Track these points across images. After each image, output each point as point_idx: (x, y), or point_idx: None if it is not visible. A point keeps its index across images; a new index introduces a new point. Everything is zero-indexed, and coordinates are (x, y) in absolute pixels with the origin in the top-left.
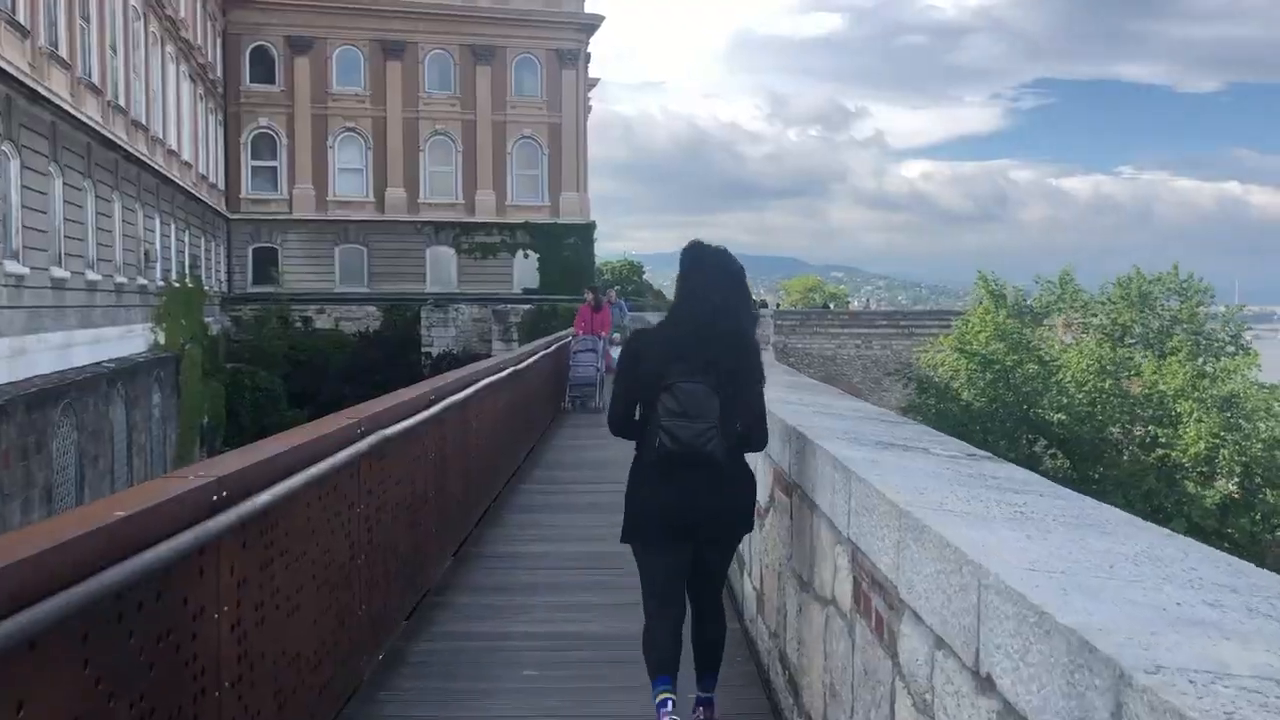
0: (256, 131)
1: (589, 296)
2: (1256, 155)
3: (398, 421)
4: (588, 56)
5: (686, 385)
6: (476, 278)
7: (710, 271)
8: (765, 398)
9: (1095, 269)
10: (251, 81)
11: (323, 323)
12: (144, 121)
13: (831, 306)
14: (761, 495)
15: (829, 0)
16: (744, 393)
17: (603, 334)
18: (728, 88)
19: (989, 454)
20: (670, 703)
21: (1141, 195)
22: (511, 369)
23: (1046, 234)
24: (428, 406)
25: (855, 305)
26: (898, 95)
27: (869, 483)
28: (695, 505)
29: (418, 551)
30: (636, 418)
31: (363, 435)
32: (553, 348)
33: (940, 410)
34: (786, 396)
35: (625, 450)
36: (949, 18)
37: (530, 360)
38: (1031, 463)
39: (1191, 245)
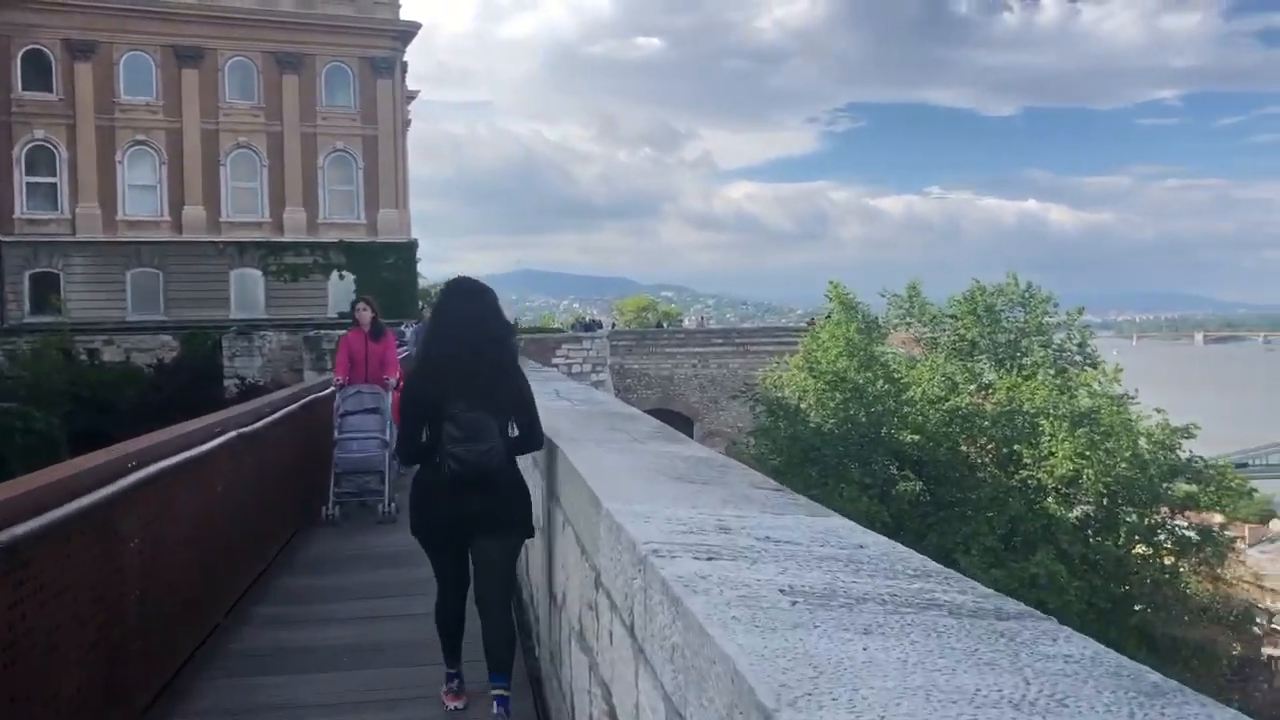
0: (32, 144)
1: (362, 315)
2: (1051, 176)
3: None
4: (404, 66)
5: (466, 413)
6: (287, 302)
7: (464, 308)
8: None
9: (917, 282)
10: (25, 89)
11: (112, 355)
12: None
13: (664, 325)
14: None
15: (650, 24)
16: (519, 409)
17: (388, 379)
18: (554, 108)
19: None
20: (457, 681)
21: (950, 214)
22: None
23: (865, 252)
24: None
25: (688, 324)
26: (722, 118)
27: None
28: (474, 512)
29: None
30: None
31: None
32: (295, 406)
33: (792, 434)
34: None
35: None
36: (768, 41)
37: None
38: (887, 486)
39: (999, 260)
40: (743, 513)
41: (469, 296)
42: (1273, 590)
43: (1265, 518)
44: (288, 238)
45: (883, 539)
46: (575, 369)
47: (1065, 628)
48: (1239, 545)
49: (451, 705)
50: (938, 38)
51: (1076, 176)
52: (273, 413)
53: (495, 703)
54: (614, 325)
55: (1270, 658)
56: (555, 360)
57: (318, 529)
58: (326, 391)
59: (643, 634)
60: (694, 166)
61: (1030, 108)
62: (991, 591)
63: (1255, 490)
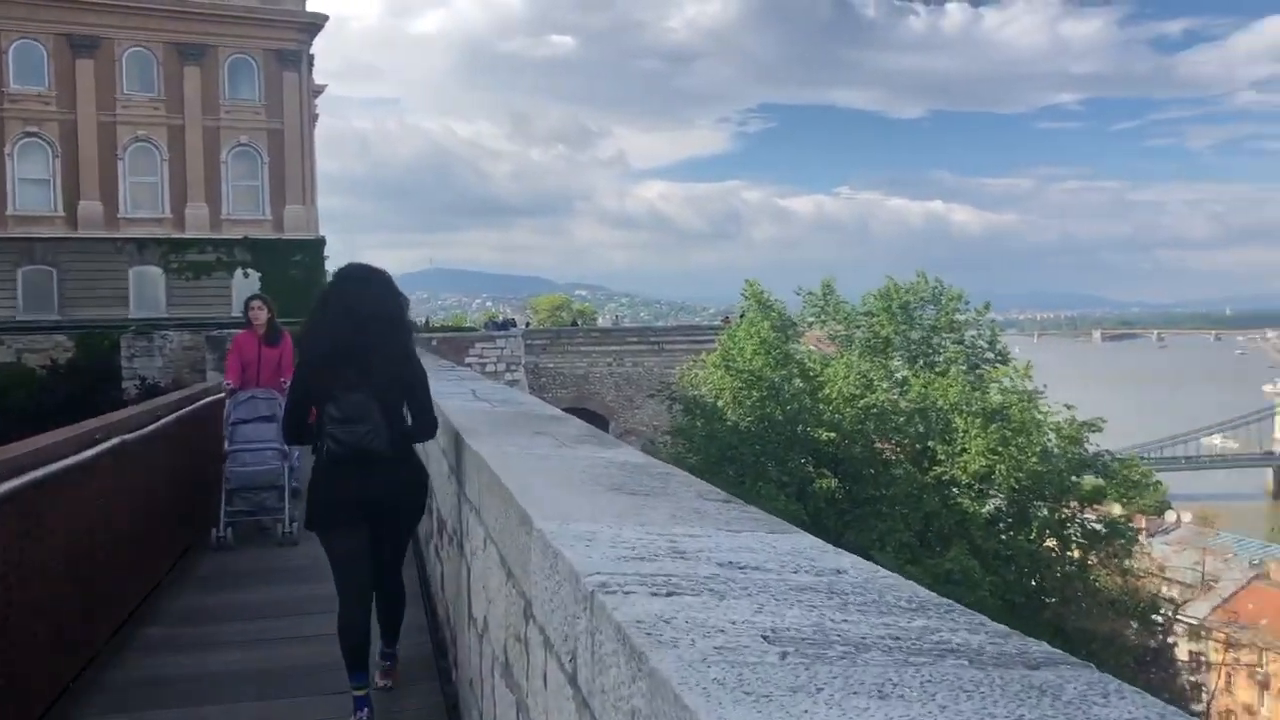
0: None
1: (256, 315)
2: (955, 177)
3: None
4: (311, 59)
5: (348, 395)
6: (189, 300)
7: (352, 292)
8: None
9: (828, 281)
10: None
11: (2, 355)
12: None
13: (580, 324)
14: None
15: (562, 21)
16: (409, 394)
17: (286, 382)
18: (466, 105)
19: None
20: (366, 710)
21: (860, 214)
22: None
23: (777, 251)
24: None
25: (603, 322)
26: (635, 117)
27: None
28: (365, 493)
29: None
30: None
31: None
32: (193, 408)
33: (710, 433)
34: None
35: None
36: (680, 41)
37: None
38: (805, 484)
39: (907, 259)
40: (696, 530)
41: (357, 281)
42: (1177, 581)
43: (1161, 509)
44: (190, 234)
45: (859, 560)
46: (489, 368)
47: (1106, 676)
48: (1142, 537)
49: None
50: (847, 40)
51: (980, 178)
52: (163, 416)
53: (385, 660)
54: (528, 324)
55: (1172, 645)
56: (469, 359)
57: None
58: (212, 403)
59: (589, 686)
60: (608, 165)
61: (936, 110)
62: (1003, 628)
63: (1160, 483)
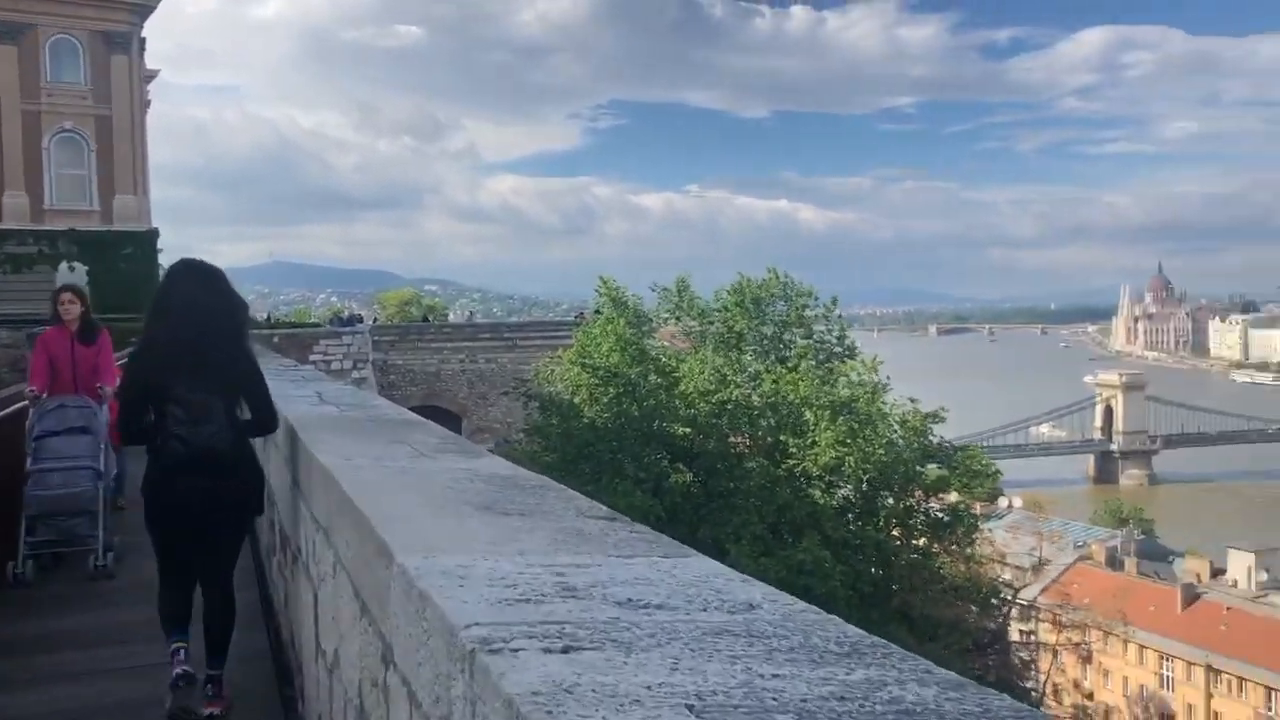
0: None
1: (67, 309)
2: (799, 177)
3: None
4: (143, 43)
5: (191, 394)
6: (8, 295)
7: (189, 288)
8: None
9: (678, 277)
10: None
11: None
12: None
13: (430, 319)
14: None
15: (409, 12)
16: (246, 391)
17: (104, 388)
18: (310, 94)
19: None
20: (183, 651)
21: (709, 211)
22: None
23: (629, 247)
24: None
25: (454, 318)
26: (486, 110)
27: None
28: (200, 494)
29: None
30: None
31: None
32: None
33: (566, 430)
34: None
35: None
36: (530, 35)
37: None
38: (661, 480)
39: (756, 257)
40: (583, 558)
41: (194, 277)
42: (1014, 566)
43: (994, 495)
44: (9, 225)
45: (768, 590)
46: (335, 366)
47: None
48: (982, 526)
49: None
50: (695, 40)
51: (823, 177)
52: None
53: (209, 684)
54: (375, 320)
55: (1009, 627)
56: (313, 357)
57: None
58: (14, 411)
59: None
60: (458, 158)
61: (782, 111)
62: (953, 676)
63: (999, 472)
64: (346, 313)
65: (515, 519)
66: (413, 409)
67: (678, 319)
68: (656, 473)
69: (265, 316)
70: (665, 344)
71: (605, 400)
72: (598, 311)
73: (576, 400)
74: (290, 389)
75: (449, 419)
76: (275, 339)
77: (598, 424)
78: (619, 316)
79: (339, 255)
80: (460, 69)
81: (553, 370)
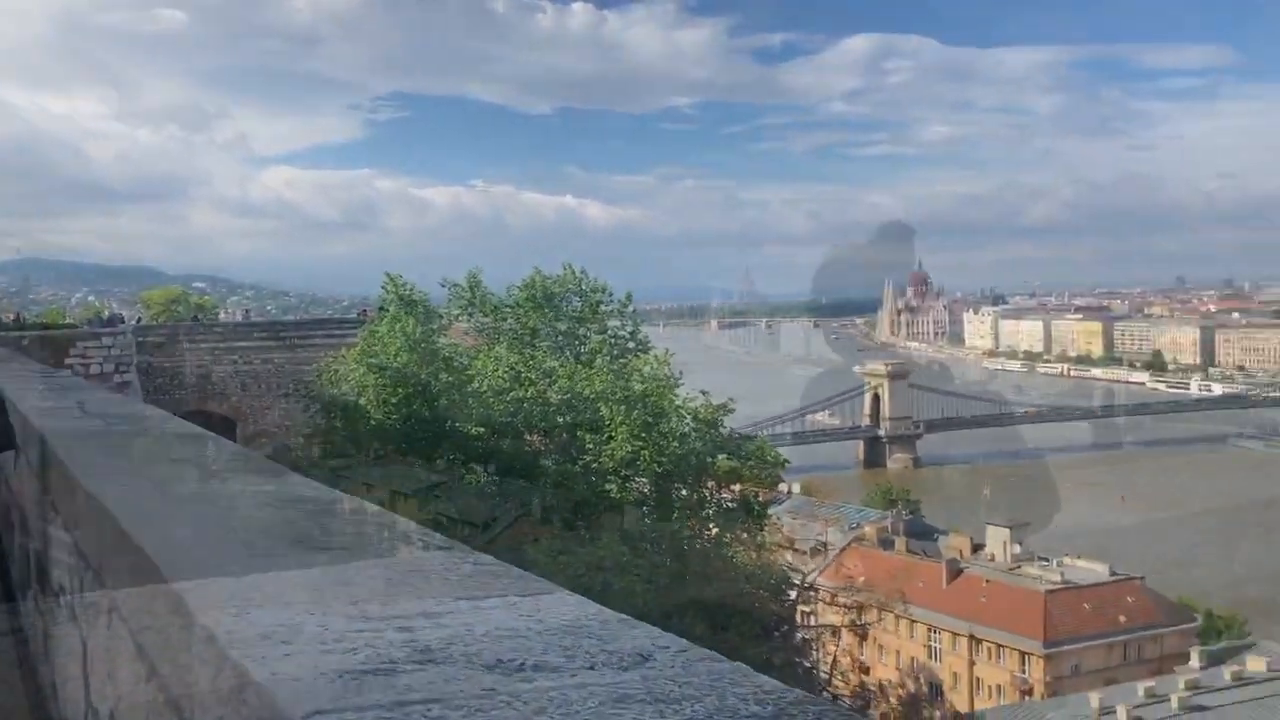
0: None
1: None
2: (584, 173)
3: None
4: None
5: None
6: None
7: None
8: None
9: (464, 273)
10: None
11: None
12: None
13: (201, 319)
14: None
15: None
16: None
17: None
18: (62, 79)
19: None
20: None
21: (495, 206)
22: None
23: (413, 242)
24: None
25: (225, 316)
26: (257, 99)
27: None
28: None
29: None
30: None
31: None
32: None
33: (352, 434)
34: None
35: None
36: (304, 23)
37: None
38: (455, 482)
39: (542, 252)
40: (430, 604)
41: None
42: (800, 551)
43: (775, 482)
44: None
45: (653, 632)
46: (95, 370)
47: None
48: (768, 513)
49: None
50: (478, 33)
51: (608, 174)
52: None
53: None
54: (139, 319)
55: (796, 609)
56: (70, 360)
57: None
58: None
59: None
60: (227, 149)
61: (565, 107)
62: None
63: (787, 460)
64: (107, 312)
65: (337, 554)
66: (183, 415)
67: (470, 316)
68: (450, 474)
69: (15, 317)
70: (457, 342)
71: (394, 401)
72: (382, 309)
73: (362, 402)
74: (46, 400)
75: (223, 425)
76: (24, 341)
77: (387, 426)
78: (408, 315)
79: (98, 250)
80: (229, 56)
81: (336, 371)
